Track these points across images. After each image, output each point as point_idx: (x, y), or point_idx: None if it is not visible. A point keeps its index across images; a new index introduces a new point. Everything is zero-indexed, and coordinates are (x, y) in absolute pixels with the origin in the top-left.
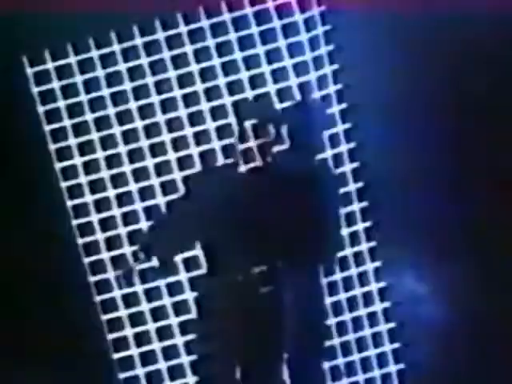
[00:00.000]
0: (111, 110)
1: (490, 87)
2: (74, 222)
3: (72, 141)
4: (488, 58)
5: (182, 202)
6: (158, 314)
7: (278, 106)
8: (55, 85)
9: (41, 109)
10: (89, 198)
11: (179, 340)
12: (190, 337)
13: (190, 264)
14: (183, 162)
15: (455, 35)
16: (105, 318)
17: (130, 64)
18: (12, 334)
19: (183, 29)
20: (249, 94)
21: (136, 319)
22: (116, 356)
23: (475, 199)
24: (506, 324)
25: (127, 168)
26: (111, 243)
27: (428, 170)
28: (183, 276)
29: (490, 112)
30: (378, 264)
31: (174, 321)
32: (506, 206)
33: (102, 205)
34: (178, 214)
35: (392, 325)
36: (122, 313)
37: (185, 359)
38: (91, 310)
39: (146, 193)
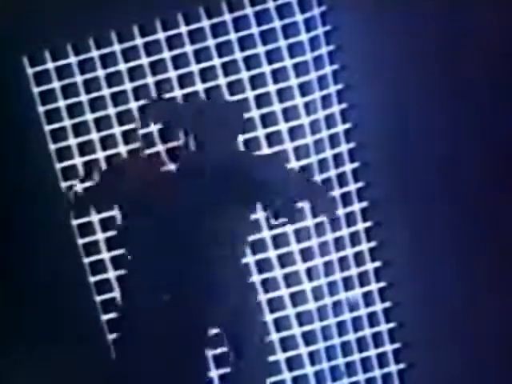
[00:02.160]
0: (111, 110)
1: (489, 79)
2: (74, 222)
3: (72, 141)
4: (486, 52)
5: None
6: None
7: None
8: (55, 85)
9: (41, 109)
10: None
11: None
12: None
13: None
14: None
15: (456, 34)
16: (105, 317)
17: (130, 64)
18: (12, 333)
19: (183, 29)
20: (249, 94)
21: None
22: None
23: (477, 199)
24: (506, 324)
25: None
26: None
27: (429, 169)
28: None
29: (490, 106)
30: (377, 264)
31: None
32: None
33: None
34: None
35: (392, 325)
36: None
37: None
38: (91, 309)
39: None
